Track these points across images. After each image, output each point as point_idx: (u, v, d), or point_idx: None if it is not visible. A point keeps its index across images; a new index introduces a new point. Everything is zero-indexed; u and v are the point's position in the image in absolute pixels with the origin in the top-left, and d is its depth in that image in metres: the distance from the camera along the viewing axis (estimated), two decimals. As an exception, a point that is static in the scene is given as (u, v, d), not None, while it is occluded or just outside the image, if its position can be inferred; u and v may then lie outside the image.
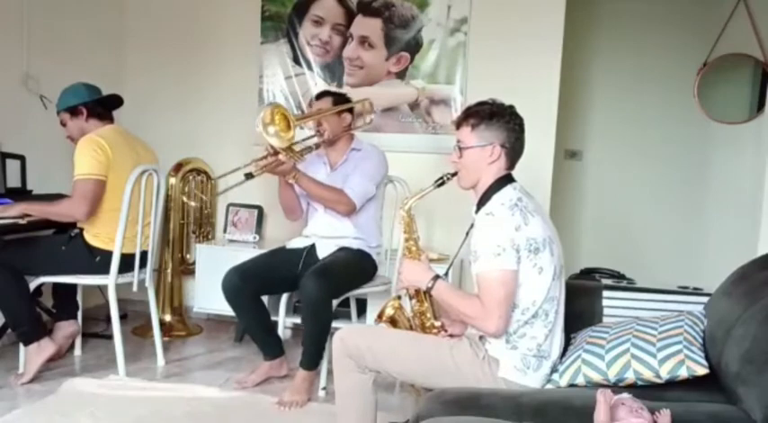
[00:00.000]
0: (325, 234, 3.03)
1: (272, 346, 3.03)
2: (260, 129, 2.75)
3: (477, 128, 1.99)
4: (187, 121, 4.13)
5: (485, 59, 3.67)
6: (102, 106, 3.02)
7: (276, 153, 2.80)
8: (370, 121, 3.31)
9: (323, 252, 3.00)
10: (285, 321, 3.21)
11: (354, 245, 3.00)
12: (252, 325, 3.02)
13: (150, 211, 3.05)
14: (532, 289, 1.91)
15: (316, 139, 3.05)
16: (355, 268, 2.97)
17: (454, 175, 2.07)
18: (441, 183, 2.10)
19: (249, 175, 2.82)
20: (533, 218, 1.92)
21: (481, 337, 2.00)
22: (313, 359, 2.82)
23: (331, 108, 3.02)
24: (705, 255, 4.28)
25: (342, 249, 2.98)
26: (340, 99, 3.11)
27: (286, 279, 2.93)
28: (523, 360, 1.92)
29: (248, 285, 2.91)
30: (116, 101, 3.11)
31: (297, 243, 3.11)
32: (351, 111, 3.11)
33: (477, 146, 1.99)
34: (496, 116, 1.98)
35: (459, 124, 2.04)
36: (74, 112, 2.97)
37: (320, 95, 3.15)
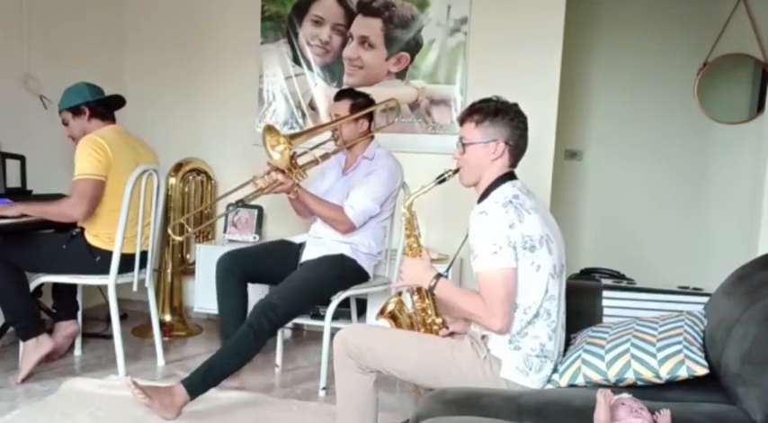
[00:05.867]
0: (317, 234, 3.02)
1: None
2: (265, 150, 2.73)
3: (480, 124, 1.99)
4: (187, 121, 4.13)
5: (485, 59, 3.67)
6: (105, 106, 3.02)
7: (277, 170, 2.76)
8: (393, 121, 3.20)
9: (306, 255, 2.99)
10: (285, 321, 3.22)
11: (339, 249, 2.93)
12: (228, 311, 2.93)
13: (150, 211, 3.05)
14: (531, 287, 1.91)
15: (325, 150, 3.00)
16: (323, 284, 2.87)
17: (456, 171, 2.06)
18: (442, 179, 2.08)
19: (240, 202, 2.87)
20: (530, 215, 1.91)
21: (483, 337, 1.99)
22: (203, 383, 2.60)
23: (336, 120, 2.93)
24: (705, 255, 4.28)
25: (321, 259, 2.92)
26: (361, 101, 2.99)
27: (277, 269, 2.87)
28: (526, 361, 1.92)
29: (239, 265, 2.91)
30: (118, 101, 3.11)
31: (297, 238, 3.13)
32: (370, 115, 3.00)
33: (481, 142, 1.99)
34: (501, 113, 1.99)
35: (462, 120, 2.04)
36: (76, 111, 2.97)
37: (340, 96, 3.04)
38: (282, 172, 2.76)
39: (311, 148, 3.08)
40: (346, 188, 2.97)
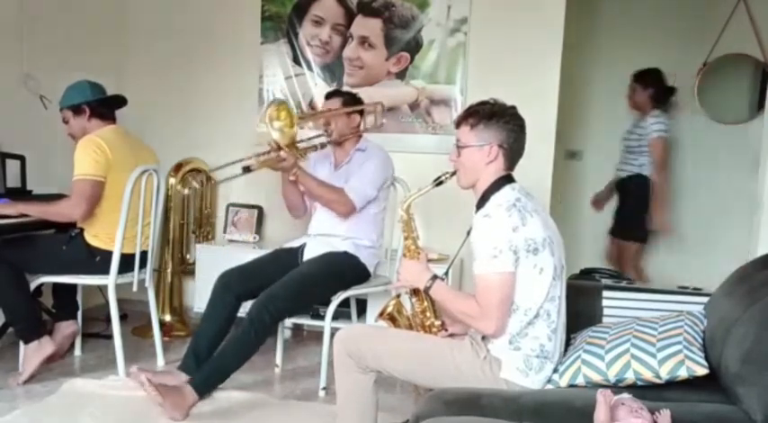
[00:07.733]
0: (319, 231, 3.02)
1: (191, 367, 2.84)
2: (265, 122, 2.75)
3: (475, 127, 1.98)
4: (187, 121, 4.12)
5: (485, 59, 3.67)
6: (106, 106, 3.02)
7: (279, 149, 2.78)
8: (381, 124, 3.29)
9: (309, 253, 2.99)
10: (285, 321, 3.22)
11: (342, 246, 2.95)
12: (209, 329, 2.89)
13: (150, 211, 3.05)
14: (533, 289, 1.91)
15: (322, 139, 3.02)
16: (325, 280, 2.89)
17: (453, 174, 2.07)
18: (439, 182, 2.09)
19: (247, 169, 2.78)
20: (532, 218, 1.91)
21: (483, 337, 1.99)
22: (207, 383, 2.67)
23: (340, 109, 2.99)
24: (705, 255, 4.28)
25: (324, 256, 2.92)
26: (351, 100, 3.08)
27: (275, 279, 2.84)
28: (526, 362, 1.92)
29: (243, 283, 2.89)
30: (120, 101, 3.11)
31: (293, 243, 3.11)
32: (361, 112, 3.07)
33: (475, 145, 1.98)
34: (496, 116, 1.98)
35: (458, 123, 2.04)
36: (77, 110, 2.97)
37: (330, 95, 3.13)
38: (284, 149, 2.77)
39: (308, 138, 3.05)
40: (342, 181, 2.98)
